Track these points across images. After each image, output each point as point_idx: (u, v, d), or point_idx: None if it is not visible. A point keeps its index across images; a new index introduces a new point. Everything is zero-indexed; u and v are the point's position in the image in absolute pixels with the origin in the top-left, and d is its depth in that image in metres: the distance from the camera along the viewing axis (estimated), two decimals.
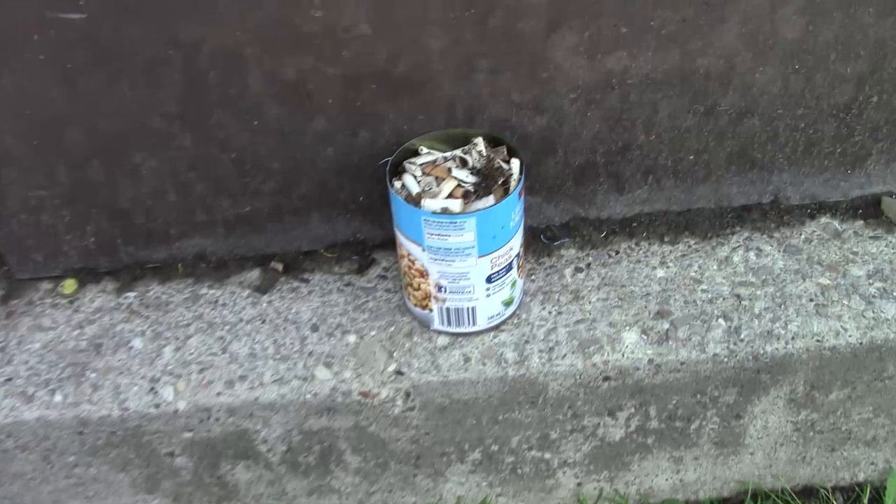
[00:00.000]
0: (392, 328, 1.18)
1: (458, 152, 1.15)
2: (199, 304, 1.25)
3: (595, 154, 1.24)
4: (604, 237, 1.33)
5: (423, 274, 1.09)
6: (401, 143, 1.13)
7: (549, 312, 1.22)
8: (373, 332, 1.17)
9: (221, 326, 1.20)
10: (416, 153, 1.13)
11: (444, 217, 1.01)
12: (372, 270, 1.32)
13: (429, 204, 1.03)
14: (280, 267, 1.33)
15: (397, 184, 1.10)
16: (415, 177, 1.09)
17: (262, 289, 1.29)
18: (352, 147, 1.20)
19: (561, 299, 1.24)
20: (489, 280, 1.09)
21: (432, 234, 1.02)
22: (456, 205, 1.03)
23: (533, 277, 1.28)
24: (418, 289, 1.16)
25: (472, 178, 1.09)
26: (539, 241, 1.35)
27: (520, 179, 1.08)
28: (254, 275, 1.34)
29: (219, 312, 1.24)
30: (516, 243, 1.09)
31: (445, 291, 1.12)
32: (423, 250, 1.04)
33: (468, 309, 1.09)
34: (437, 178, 1.10)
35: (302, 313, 1.23)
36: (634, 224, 1.35)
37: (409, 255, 1.07)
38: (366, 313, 1.23)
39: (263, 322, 1.21)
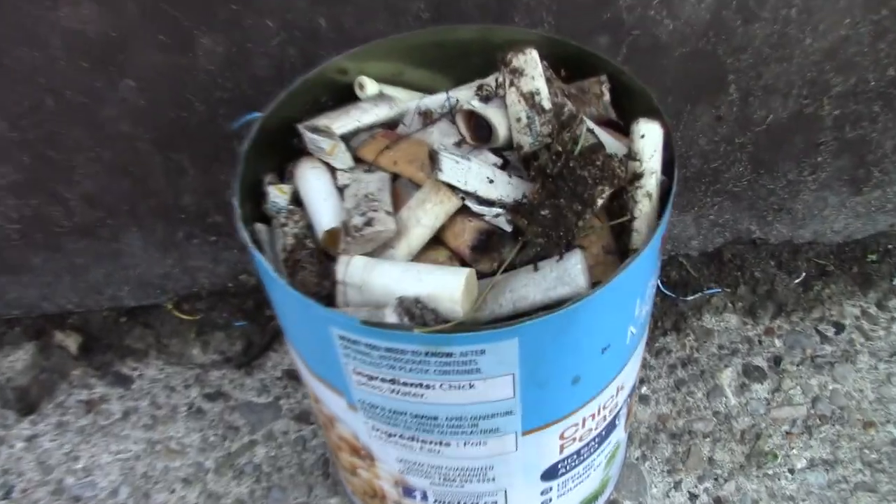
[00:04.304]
0: None
1: (464, 94, 0.48)
2: None
3: (823, 92, 0.61)
4: (800, 285, 0.71)
5: (362, 454, 0.48)
6: (310, 64, 0.51)
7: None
8: None
9: None
10: (348, 97, 0.50)
11: (412, 341, 0.36)
12: (271, 359, 0.72)
13: (358, 278, 0.39)
14: (73, 343, 0.73)
15: (278, 195, 0.45)
16: (332, 171, 0.46)
17: (25, 404, 0.71)
18: (185, 74, 0.58)
19: (717, 464, 0.62)
20: (551, 475, 0.48)
21: (374, 380, 0.40)
22: (454, 288, 0.37)
23: (645, 389, 0.69)
24: (354, 473, 0.53)
25: (504, 186, 0.41)
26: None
27: (671, 190, 0.42)
28: (15, 363, 0.71)
29: None
30: (632, 371, 0.48)
31: (426, 500, 0.49)
32: (353, 409, 0.43)
33: None
34: (395, 177, 0.46)
35: (100, 476, 0.66)
36: (872, 257, 0.71)
37: (317, 399, 0.48)
38: (244, 482, 0.65)
39: None
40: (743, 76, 0.61)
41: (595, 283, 0.38)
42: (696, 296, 0.73)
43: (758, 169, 0.68)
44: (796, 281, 0.72)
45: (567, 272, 0.36)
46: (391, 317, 0.35)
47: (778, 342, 0.69)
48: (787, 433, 0.64)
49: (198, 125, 0.62)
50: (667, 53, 0.58)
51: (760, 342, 0.69)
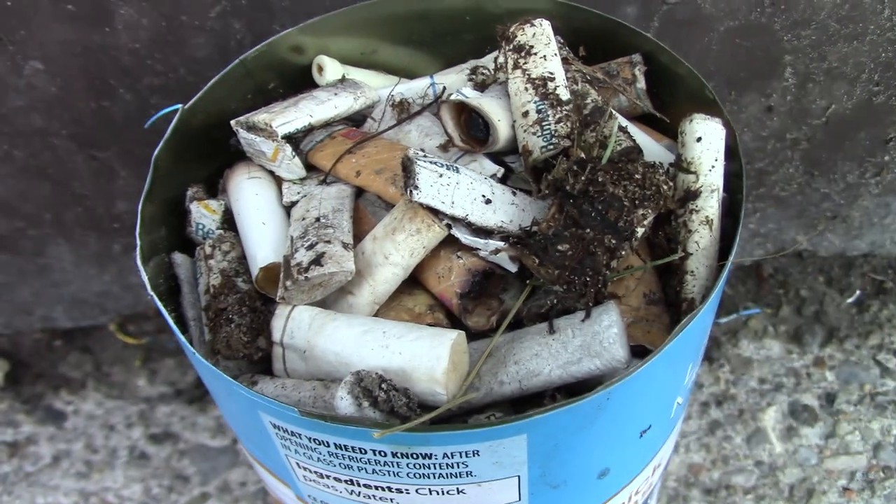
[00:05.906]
0: None
1: (453, 80, 0.38)
2: None
3: None
4: (854, 305, 0.60)
5: None
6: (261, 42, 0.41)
7: None
8: None
9: None
10: (307, 84, 0.40)
11: (375, 440, 0.25)
12: None
13: (301, 340, 0.28)
14: None
15: (205, 215, 0.36)
16: (279, 182, 0.36)
17: None
18: (103, 54, 0.47)
19: None
20: None
21: (326, 478, 0.29)
22: (435, 360, 0.25)
23: None
24: None
25: (506, 207, 0.30)
26: None
27: (737, 214, 0.31)
28: None
29: None
30: (671, 444, 0.39)
31: None
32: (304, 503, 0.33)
33: None
34: (358, 192, 0.35)
35: None
36: None
37: (262, 480, 0.41)
38: None
39: None
40: (802, 57, 0.51)
41: (637, 350, 0.27)
42: (731, 318, 0.62)
43: (811, 170, 0.57)
44: (849, 300, 0.62)
45: (597, 338, 0.25)
46: (344, 402, 0.24)
47: (830, 375, 0.58)
48: (845, 489, 0.54)
49: (125, 118, 0.50)
50: (710, 27, 0.47)
51: (809, 375, 0.59)
